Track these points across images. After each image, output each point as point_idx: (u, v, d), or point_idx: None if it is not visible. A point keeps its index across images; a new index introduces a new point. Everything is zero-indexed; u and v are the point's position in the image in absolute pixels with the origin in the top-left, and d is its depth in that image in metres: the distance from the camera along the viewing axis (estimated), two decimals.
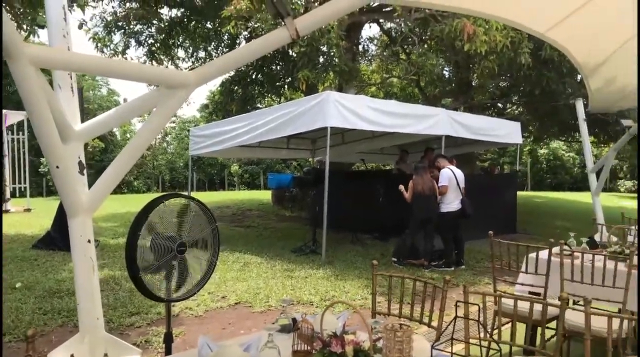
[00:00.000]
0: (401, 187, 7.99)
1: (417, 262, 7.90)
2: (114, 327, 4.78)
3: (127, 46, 14.91)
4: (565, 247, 4.16)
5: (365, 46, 19.69)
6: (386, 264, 7.88)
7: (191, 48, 16.15)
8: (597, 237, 5.29)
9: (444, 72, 18.74)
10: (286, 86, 15.05)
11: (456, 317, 1.70)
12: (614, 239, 5.22)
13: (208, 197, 19.49)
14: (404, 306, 3.07)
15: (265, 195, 20.83)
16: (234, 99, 15.47)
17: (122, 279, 6.51)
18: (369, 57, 20.64)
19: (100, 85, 36.66)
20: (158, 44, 15.16)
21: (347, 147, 12.81)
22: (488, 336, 2.27)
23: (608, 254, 3.94)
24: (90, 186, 3.47)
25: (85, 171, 3.46)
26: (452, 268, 7.77)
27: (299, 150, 13.68)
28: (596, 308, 2.75)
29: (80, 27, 12.24)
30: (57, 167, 2.72)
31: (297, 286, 6.49)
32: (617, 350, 2.86)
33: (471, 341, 2.29)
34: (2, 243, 8.50)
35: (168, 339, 3.11)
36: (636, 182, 34.95)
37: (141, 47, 15.08)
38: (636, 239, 5.56)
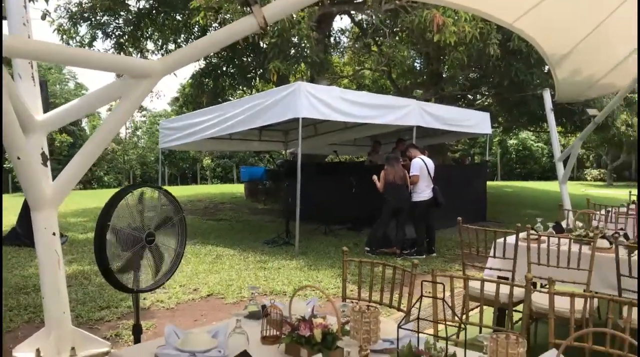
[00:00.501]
0: (374, 177, 8.06)
1: (390, 251, 7.98)
2: (83, 322, 4.70)
3: (93, 38, 14.57)
4: (532, 231, 4.24)
5: (337, 38, 19.68)
6: (359, 254, 7.93)
7: (160, 40, 15.87)
8: (564, 224, 5.42)
9: (415, 64, 18.86)
10: (257, 78, 14.94)
11: (422, 296, 1.72)
12: (580, 224, 5.36)
13: (180, 191, 19.29)
14: (375, 293, 3.09)
15: (238, 188, 20.71)
16: (204, 91, 15.29)
17: (92, 273, 6.41)
18: (341, 49, 20.63)
19: (67, 79, 35.88)
20: (126, 36, 14.86)
21: (319, 139, 12.81)
22: (456, 317, 2.30)
23: (573, 237, 4.03)
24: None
25: (49, 163, 3.38)
26: (424, 256, 7.87)
27: (271, 142, 13.63)
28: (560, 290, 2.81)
29: (43, 17, 11.90)
30: (19, 158, 2.66)
31: (270, 276, 6.49)
32: (580, 329, 2.93)
33: (439, 322, 2.32)
34: None
35: (137, 331, 3.07)
36: (602, 171, 35.89)
37: (108, 39, 14.76)
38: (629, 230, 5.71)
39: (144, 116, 37.13)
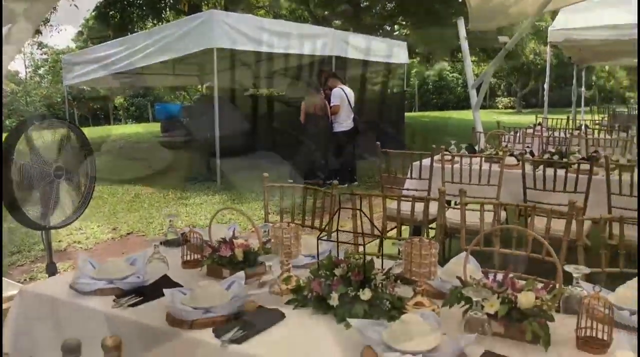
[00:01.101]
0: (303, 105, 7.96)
1: (313, 181, 8.06)
2: None
3: None
4: (446, 153, 4.41)
5: None
6: None
7: None
8: (477, 147, 5.67)
9: None
10: (168, 9, 14.12)
11: (340, 208, 1.74)
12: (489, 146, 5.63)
13: (93, 133, 18.27)
14: (298, 220, 3.12)
15: (154, 127, 19.93)
16: (110, 24, 14.30)
17: None
18: None
19: None
20: None
21: (237, 72, 12.42)
22: (375, 229, 2.37)
23: (484, 156, 4.23)
24: None
25: None
26: (346, 185, 8.02)
27: (186, 76, 13.07)
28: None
29: None
30: None
31: (192, 212, 6.40)
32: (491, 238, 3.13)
33: (357, 233, 2.38)
34: None
35: (51, 269, 2.94)
36: (512, 99, 37.75)
37: None
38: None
39: (45, 54, 34.27)
